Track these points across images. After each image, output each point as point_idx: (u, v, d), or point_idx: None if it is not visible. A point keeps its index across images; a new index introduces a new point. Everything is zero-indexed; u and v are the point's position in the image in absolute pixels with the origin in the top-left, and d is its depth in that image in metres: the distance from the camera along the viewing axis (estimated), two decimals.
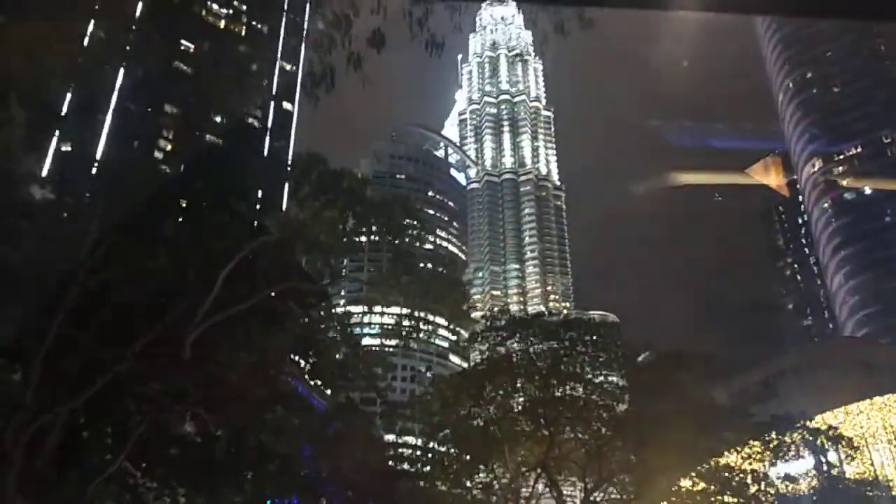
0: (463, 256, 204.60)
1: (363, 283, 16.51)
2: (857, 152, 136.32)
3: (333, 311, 18.84)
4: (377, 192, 16.91)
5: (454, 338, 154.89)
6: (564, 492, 34.86)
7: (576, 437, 28.56)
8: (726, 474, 31.01)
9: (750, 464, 30.08)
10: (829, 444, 32.04)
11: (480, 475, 33.93)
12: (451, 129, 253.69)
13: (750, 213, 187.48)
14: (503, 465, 31.33)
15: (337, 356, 19.52)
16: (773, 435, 30.13)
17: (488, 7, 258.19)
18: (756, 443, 30.10)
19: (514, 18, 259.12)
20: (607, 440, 27.59)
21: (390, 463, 42.16)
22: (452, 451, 33.19)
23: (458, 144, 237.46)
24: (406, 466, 41.62)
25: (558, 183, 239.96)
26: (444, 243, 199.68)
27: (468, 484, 34.38)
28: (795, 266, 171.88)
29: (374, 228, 17.15)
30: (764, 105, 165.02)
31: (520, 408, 27.89)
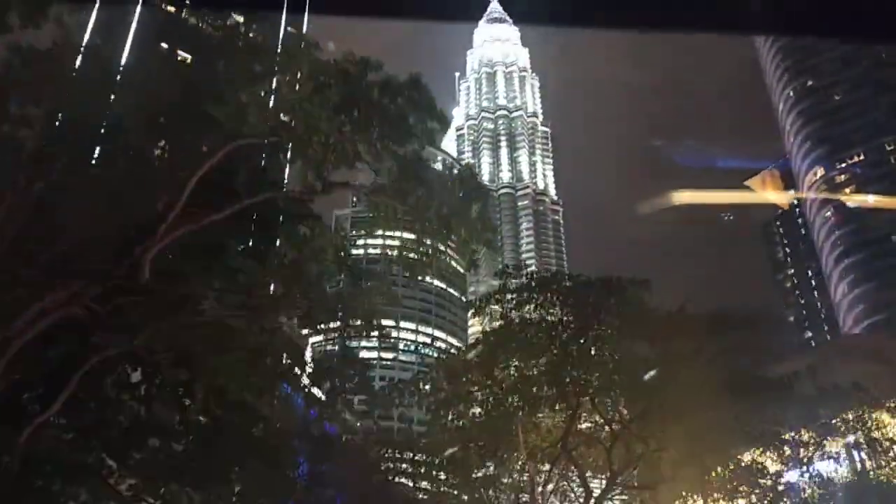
0: (460, 269, 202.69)
1: (363, 194, 13.77)
2: (859, 160, 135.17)
3: (329, 230, 15.80)
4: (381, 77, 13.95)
5: (454, 351, 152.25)
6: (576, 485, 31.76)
7: (601, 409, 25.39)
8: (759, 466, 28.13)
9: (797, 443, 27.11)
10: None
11: (489, 466, 30.81)
12: (448, 144, 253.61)
13: (750, 226, 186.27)
14: (514, 451, 28.23)
15: (332, 288, 16.54)
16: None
17: (486, 25, 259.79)
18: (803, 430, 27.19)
19: (511, 35, 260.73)
20: (639, 413, 24.44)
21: (387, 463, 39.18)
22: (457, 436, 30.12)
23: (456, 159, 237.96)
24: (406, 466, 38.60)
25: (556, 197, 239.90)
26: (442, 255, 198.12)
27: (475, 475, 31.26)
28: (795, 279, 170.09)
29: (374, 129, 14.33)
30: (764, 116, 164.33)
31: (541, 369, 24.71)
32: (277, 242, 16.52)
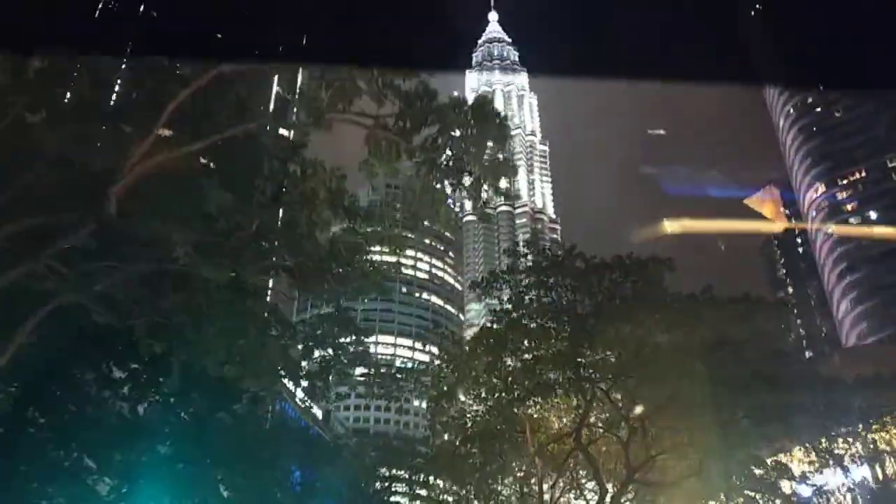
0: (459, 287, 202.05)
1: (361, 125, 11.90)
2: (861, 177, 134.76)
3: (323, 169, 13.86)
4: None
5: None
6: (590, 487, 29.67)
7: (616, 399, 23.32)
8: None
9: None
10: None
11: (494, 465, 28.67)
12: None
13: (749, 245, 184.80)
14: (522, 447, 26.14)
15: (325, 235, 14.54)
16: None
17: (485, 45, 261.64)
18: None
19: (510, 55, 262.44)
20: (659, 404, 22.37)
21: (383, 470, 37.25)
22: (461, 434, 28.13)
23: None
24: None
25: (554, 216, 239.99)
26: (440, 273, 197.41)
27: (477, 477, 29.13)
28: (795, 298, 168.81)
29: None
30: (764, 132, 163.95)
31: (553, 351, 22.67)
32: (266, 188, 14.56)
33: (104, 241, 12.91)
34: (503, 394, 23.67)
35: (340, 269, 14.60)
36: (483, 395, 25.99)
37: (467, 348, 26.32)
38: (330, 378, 18.98)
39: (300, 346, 18.22)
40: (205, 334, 15.20)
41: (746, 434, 24.28)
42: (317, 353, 18.64)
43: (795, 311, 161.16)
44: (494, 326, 24.74)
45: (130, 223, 12.24)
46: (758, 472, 26.28)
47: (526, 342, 23.32)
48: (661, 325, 22.67)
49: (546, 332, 22.87)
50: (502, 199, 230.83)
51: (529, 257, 24.22)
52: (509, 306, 24.04)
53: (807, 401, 24.86)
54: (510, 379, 23.22)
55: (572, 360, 21.71)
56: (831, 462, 26.73)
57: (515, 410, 23.67)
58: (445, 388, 26.24)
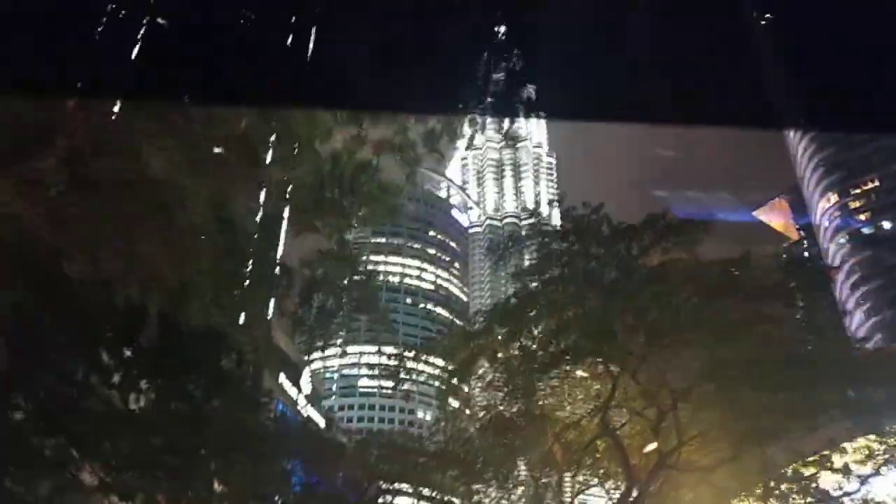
0: (465, 298, 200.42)
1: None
2: (873, 186, 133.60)
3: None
4: None
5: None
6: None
7: (645, 375, 21.15)
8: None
9: None
10: None
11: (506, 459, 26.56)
12: (452, 173, 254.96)
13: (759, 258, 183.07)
14: (537, 439, 24.10)
15: (326, 147, 12.36)
16: None
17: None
18: None
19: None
20: (696, 384, 20.17)
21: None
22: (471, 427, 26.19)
23: (461, 187, 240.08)
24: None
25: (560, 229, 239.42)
26: (445, 283, 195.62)
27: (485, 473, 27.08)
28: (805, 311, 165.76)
29: None
30: (774, 141, 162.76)
31: (578, 313, 20.59)
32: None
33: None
34: (523, 365, 21.54)
35: (344, 199, 12.50)
36: (497, 377, 24.05)
37: (483, 323, 24.33)
38: (330, 329, 16.95)
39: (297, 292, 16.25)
40: (189, 278, 13.26)
41: (785, 422, 22.10)
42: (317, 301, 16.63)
43: (803, 325, 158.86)
44: (512, 301, 22.80)
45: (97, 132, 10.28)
46: (802, 470, 24.09)
47: (548, 313, 21.25)
48: (696, 295, 20.60)
49: (570, 301, 20.86)
50: (509, 209, 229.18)
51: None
52: (528, 279, 22.08)
53: (856, 390, 22.62)
54: (532, 346, 21.11)
55: (601, 325, 19.58)
56: (886, 456, 24.31)
57: (537, 384, 21.53)
58: (459, 364, 24.16)
